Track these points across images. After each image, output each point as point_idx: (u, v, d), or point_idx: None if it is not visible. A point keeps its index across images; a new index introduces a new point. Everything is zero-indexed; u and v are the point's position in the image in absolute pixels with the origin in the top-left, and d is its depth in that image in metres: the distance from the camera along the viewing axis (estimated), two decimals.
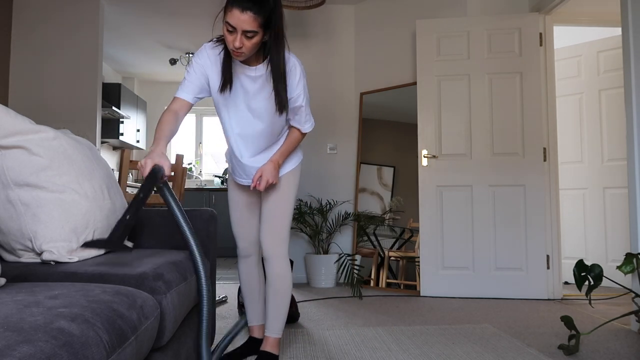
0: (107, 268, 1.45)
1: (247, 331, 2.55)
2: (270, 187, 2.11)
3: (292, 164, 2.18)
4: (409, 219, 4.23)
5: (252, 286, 2.31)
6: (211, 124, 7.96)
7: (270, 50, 1.88)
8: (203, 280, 1.65)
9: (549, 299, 3.73)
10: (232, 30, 1.76)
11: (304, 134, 2.16)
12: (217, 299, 3.48)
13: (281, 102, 1.95)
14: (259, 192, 2.20)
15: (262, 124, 2.03)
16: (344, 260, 4.16)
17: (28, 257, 1.60)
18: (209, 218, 2.15)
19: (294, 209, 2.43)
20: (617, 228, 4.35)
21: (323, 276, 4.40)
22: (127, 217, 1.47)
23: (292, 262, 3.25)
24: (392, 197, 4.43)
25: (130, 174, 6.65)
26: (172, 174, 1.68)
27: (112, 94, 6.13)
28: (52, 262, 1.55)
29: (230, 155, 2.17)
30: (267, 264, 2.12)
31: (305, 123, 2.10)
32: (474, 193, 3.92)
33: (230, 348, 2.37)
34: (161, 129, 1.82)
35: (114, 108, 5.96)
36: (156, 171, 1.60)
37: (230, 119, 2.04)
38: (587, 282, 2.42)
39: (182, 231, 1.64)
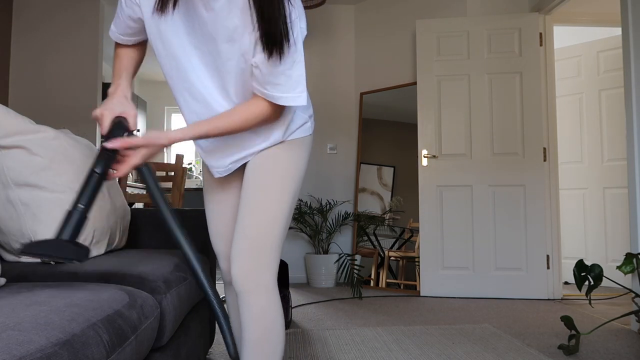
0: (107, 268, 1.45)
1: None
2: (256, 167, 1.36)
3: (299, 129, 1.38)
4: (409, 219, 4.23)
5: None
6: None
7: None
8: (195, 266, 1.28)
9: (549, 299, 3.73)
10: None
11: (274, 109, 1.26)
12: None
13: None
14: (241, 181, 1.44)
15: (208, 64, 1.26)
16: (344, 260, 4.16)
17: (28, 257, 1.60)
18: None
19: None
20: (617, 228, 4.35)
21: (323, 276, 4.40)
22: (80, 205, 1.03)
23: (287, 265, 3.09)
24: (392, 197, 4.43)
25: (130, 174, 6.64)
26: (139, 129, 1.25)
27: None
28: (52, 262, 1.55)
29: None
30: (240, 300, 1.33)
31: (279, 87, 1.22)
32: (474, 193, 3.92)
33: None
34: (119, 60, 1.37)
35: None
36: (119, 128, 1.16)
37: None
38: (587, 282, 2.42)
39: (164, 217, 1.30)
